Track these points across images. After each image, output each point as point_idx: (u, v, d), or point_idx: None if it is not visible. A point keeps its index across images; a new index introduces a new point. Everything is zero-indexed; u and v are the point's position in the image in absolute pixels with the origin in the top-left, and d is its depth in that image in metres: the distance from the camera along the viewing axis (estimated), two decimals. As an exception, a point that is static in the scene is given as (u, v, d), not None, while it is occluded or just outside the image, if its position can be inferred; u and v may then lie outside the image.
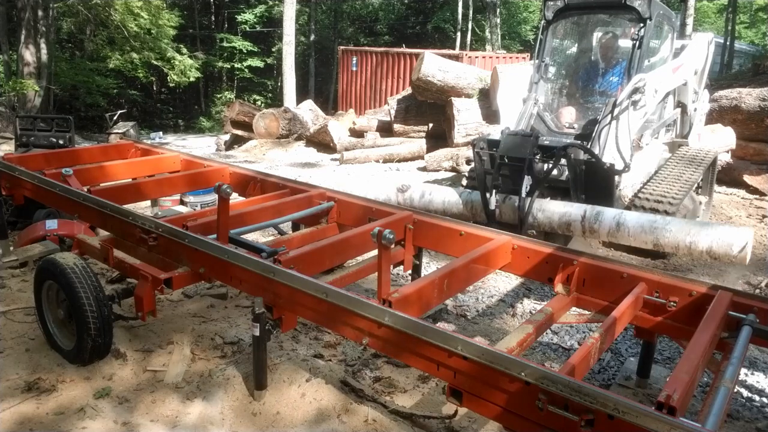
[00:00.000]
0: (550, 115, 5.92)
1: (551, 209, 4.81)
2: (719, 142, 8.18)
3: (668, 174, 5.66)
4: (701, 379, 3.16)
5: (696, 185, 5.83)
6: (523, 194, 4.76)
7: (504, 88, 6.43)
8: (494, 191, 4.99)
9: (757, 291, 4.99)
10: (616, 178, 5.06)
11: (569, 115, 5.94)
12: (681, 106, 6.83)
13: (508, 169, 4.95)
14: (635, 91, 5.13)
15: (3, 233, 4.58)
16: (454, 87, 10.99)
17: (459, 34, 26.04)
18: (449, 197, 5.47)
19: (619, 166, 5.01)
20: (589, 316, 2.94)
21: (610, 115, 5.12)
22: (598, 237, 4.71)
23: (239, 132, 14.06)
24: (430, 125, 11.99)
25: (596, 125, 5.25)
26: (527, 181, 4.81)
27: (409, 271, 3.63)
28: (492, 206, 4.98)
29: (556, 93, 6.24)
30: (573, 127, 5.77)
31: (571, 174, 5.02)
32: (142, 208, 6.38)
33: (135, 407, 2.79)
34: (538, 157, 4.86)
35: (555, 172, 5.04)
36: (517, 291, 4.79)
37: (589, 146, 5.02)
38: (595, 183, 4.99)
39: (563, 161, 4.93)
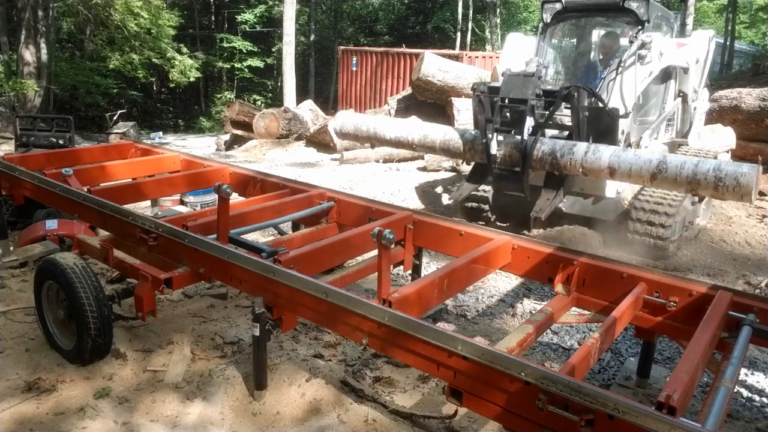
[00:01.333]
0: None
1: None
2: (719, 142, 8.16)
3: None
4: (701, 379, 3.16)
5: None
6: (525, 136, 4.68)
7: (507, 52, 6.28)
8: (495, 135, 4.91)
9: (757, 291, 4.99)
10: (620, 125, 5.03)
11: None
12: (682, 95, 6.77)
13: (509, 112, 4.88)
14: (642, 46, 5.10)
15: (3, 233, 4.58)
16: (454, 87, 11.00)
17: (459, 34, 26.03)
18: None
19: (622, 111, 4.98)
20: (589, 316, 2.94)
21: (615, 72, 5.10)
22: (597, 172, 4.64)
23: (239, 132, 14.05)
24: (430, 125, 11.98)
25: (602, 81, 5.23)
26: (529, 122, 4.73)
27: (409, 271, 3.64)
28: (493, 150, 4.89)
29: None
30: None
31: (574, 119, 4.96)
32: (142, 208, 6.38)
33: (135, 407, 2.79)
34: (540, 100, 4.79)
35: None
36: (517, 291, 4.79)
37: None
38: (598, 128, 4.93)
39: (565, 108, 4.90)
